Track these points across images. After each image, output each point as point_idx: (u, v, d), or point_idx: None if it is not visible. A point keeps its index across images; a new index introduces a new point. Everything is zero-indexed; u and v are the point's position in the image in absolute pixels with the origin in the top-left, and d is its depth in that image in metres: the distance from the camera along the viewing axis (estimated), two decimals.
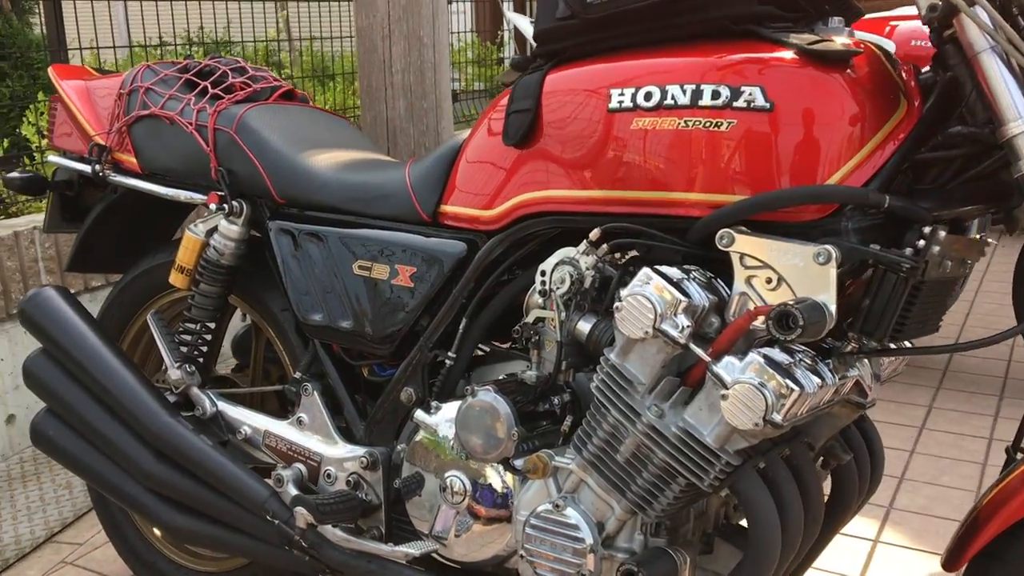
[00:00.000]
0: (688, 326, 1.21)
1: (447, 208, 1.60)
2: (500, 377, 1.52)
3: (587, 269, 1.38)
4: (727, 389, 1.16)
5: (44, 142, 3.83)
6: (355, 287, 1.68)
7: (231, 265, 1.85)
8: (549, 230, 1.49)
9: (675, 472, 1.24)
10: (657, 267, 1.26)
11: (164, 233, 2.25)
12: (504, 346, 1.63)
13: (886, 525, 2.44)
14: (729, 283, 1.28)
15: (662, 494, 1.27)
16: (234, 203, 1.81)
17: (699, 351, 1.21)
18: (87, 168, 1.97)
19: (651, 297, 1.21)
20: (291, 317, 1.86)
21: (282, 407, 2.04)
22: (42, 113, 3.95)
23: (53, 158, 2.07)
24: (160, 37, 4.77)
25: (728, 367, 1.17)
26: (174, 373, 1.85)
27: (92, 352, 1.85)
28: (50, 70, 2.12)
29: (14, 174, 2.07)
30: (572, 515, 1.35)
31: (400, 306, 1.63)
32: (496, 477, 1.46)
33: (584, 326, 1.39)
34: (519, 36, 6.67)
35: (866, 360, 1.43)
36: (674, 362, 1.26)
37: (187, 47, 5.00)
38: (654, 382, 1.25)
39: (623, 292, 1.25)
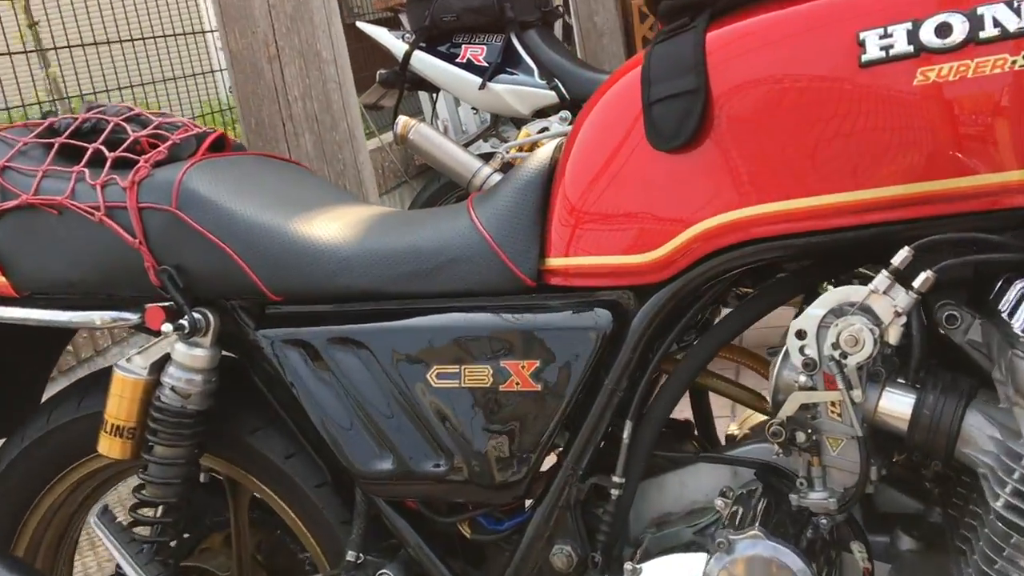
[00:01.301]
0: None
1: (558, 261, 1.05)
2: (738, 509, 1.00)
3: (895, 316, 0.87)
4: None
5: None
6: (439, 408, 1.09)
7: (200, 409, 1.20)
8: (744, 267, 0.99)
9: None
10: None
11: (34, 378, 1.54)
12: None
13: None
14: None
15: None
16: (195, 315, 1.17)
17: None
18: None
19: None
20: (300, 464, 1.25)
21: None
22: None
23: None
24: None
25: None
26: None
27: None
28: None
29: None
30: None
31: (523, 423, 1.06)
32: None
33: (895, 406, 0.89)
34: None
35: None
36: None
37: None
38: None
39: None
